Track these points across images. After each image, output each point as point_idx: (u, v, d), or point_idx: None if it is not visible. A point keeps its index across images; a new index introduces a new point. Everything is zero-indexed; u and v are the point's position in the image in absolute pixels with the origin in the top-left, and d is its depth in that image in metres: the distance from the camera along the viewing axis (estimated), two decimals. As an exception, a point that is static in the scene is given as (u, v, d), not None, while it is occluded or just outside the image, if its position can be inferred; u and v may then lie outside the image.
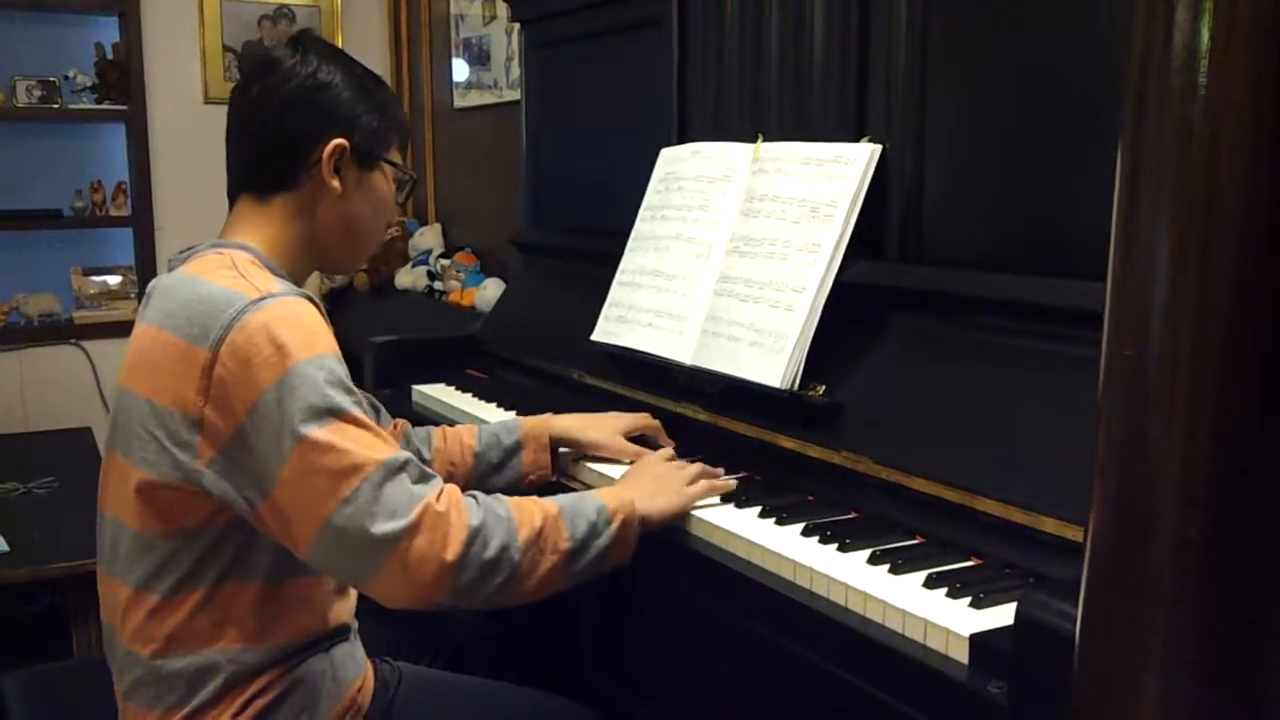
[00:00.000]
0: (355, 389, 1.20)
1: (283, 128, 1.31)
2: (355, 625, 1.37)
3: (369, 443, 1.15)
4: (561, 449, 1.62)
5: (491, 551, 1.16)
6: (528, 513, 1.22)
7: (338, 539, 1.12)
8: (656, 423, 1.64)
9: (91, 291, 3.89)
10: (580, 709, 1.51)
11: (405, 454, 1.16)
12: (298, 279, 1.33)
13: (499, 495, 1.24)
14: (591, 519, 1.25)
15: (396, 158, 1.39)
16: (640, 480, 1.40)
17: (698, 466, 1.43)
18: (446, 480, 1.53)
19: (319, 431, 1.12)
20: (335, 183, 1.32)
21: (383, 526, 1.11)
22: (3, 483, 2.68)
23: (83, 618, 2.26)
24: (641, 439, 1.61)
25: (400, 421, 1.65)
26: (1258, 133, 0.62)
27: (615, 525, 1.27)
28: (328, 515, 1.12)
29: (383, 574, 1.13)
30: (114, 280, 3.91)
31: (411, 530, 1.12)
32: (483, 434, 1.61)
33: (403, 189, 1.42)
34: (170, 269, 1.30)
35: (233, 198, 1.35)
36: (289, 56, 1.32)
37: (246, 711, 1.22)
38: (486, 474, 1.59)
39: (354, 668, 1.33)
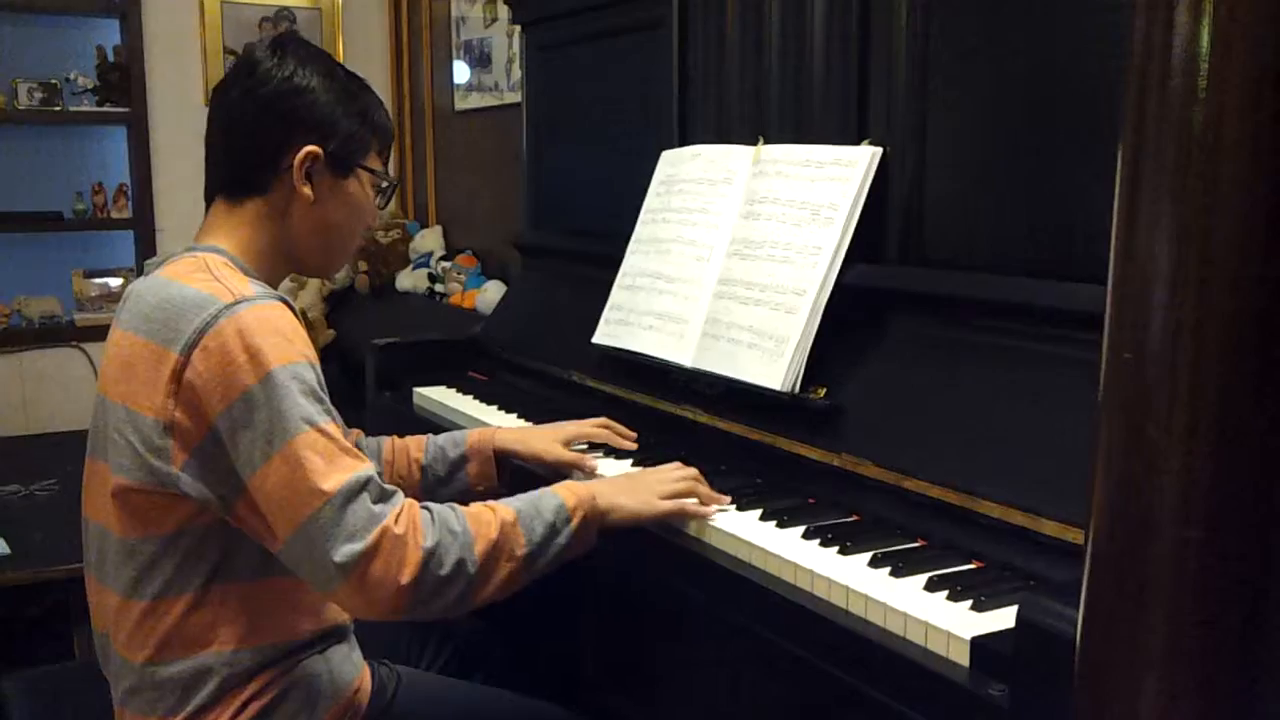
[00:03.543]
0: (325, 397, 1.19)
1: (255, 132, 1.29)
2: (352, 627, 1.37)
3: (335, 459, 1.14)
4: (514, 460, 1.62)
5: (447, 569, 1.16)
6: (484, 523, 1.21)
7: (301, 552, 1.13)
8: (604, 432, 1.64)
9: (92, 294, 3.89)
10: (579, 717, 1.50)
11: (368, 471, 1.16)
12: (272, 282, 1.31)
13: (454, 505, 1.23)
14: (549, 520, 1.26)
15: (376, 164, 1.37)
16: (613, 479, 1.40)
17: (687, 485, 1.37)
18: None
19: (290, 444, 1.12)
20: (306, 190, 1.30)
21: (341, 551, 1.11)
22: (4, 484, 2.68)
23: (84, 620, 2.23)
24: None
25: (355, 431, 1.62)
26: (1258, 134, 0.62)
27: (575, 523, 1.27)
28: (292, 530, 1.13)
29: (340, 591, 1.13)
30: (115, 282, 3.91)
31: (369, 554, 1.12)
32: (429, 447, 1.61)
33: (382, 195, 1.40)
34: (145, 273, 1.29)
35: (209, 200, 1.34)
36: (267, 59, 1.30)
37: (243, 715, 1.22)
38: (434, 486, 1.59)
39: (351, 670, 1.33)
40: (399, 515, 1.16)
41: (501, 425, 1.75)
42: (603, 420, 1.66)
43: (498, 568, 1.21)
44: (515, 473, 1.63)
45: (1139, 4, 0.66)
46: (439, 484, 1.60)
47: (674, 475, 1.39)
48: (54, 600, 2.35)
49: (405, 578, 1.13)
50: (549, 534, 1.25)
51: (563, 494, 1.29)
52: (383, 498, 1.16)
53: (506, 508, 1.25)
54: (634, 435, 1.66)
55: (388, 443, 1.62)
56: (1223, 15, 0.62)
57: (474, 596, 1.20)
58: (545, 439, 1.61)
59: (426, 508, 1.20)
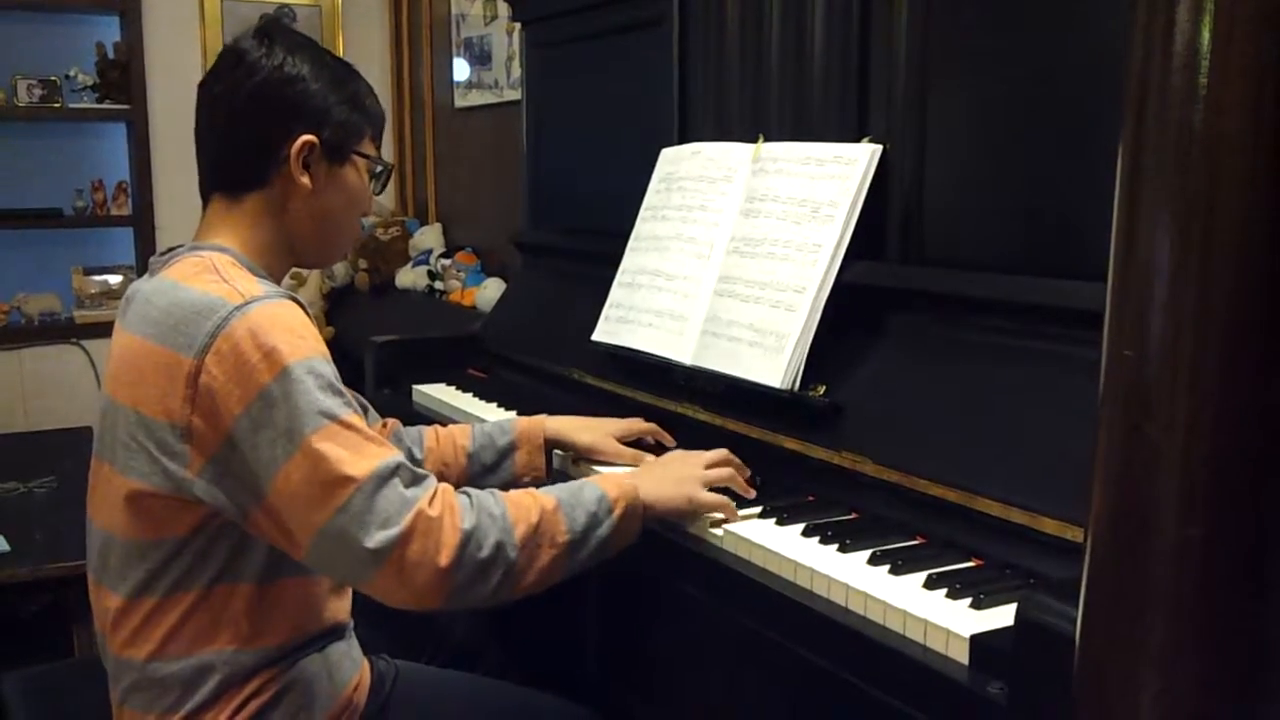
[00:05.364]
0: (345, 389, 1.19)
1: (249, 125, 1.28)
2: (351, 623, 1.37)
3: (361, 448, 1.13)
4: (556, 450, 1.62)
5: (486, 552, 1.15)
6: (524, 508, 1.20)
7: (332, 546, 1.12)
8: (652, 426, 1.63)
9: (92, 291, 3.89)
10: (578, 709, 1.50)
11: (397, 458, 1.15)
12: (276, 276, 1.31)
13: (494, 491, 1.22)
14: (591, 509, 1.24)
15: (370, 149, 1.36)
16: (652, 470, 1.38)
17: (725, 471, 1.37)
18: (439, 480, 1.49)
19: (311, 439, 1.11)
20: (305, 179, 1.29)
21: (375, 537, 1.10)
22: (3, 482, 2.68)
23: (83, 617, 2.25)
24: (640, 443, 1.60)
25: (391, 421, 1.63)
26: (1258, 133, 0.62)
27: (617, 513, 1.25)
28: (322, 524, 1.11)
29: (378, 579, 1.12)
30: (114, 280, 3.92)
31: (404, 538, 1.11)
32: (476, 434, 1.60)
33: (377, 180, 1.39)
34: (151, 273, 1.28)
35: (205, 197, 1.33)
36: (255, 49, 1.28)
37: (242, 713, 1.22)
38: (480, 475, 1.58)
39: (350, 667, 1.33)
40: (433, 498, 1.14)
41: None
42: (641, 420, 1.64)
43: (539, 554, 1.19)
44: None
45: (1139, 3, 0.66)
46: (485, 472, 1.58)
47: (711, 459, 1.38)
48: (53, 597, 2.35)
49: (444, 560, 1.11)
50: (591, 523, 1.23)
51: (604, 485, 1.27)
52: (415, 482, 1.15)
53: (547, 495, 1.23)
54: (673, 440, 1.63)
55: (430, 431, 1.62)
56: (1223, 15, 0.62)
57: (516, 584, 1.17)
58: (599, 431, 1.58)
59: (465, 492, 1.19)
